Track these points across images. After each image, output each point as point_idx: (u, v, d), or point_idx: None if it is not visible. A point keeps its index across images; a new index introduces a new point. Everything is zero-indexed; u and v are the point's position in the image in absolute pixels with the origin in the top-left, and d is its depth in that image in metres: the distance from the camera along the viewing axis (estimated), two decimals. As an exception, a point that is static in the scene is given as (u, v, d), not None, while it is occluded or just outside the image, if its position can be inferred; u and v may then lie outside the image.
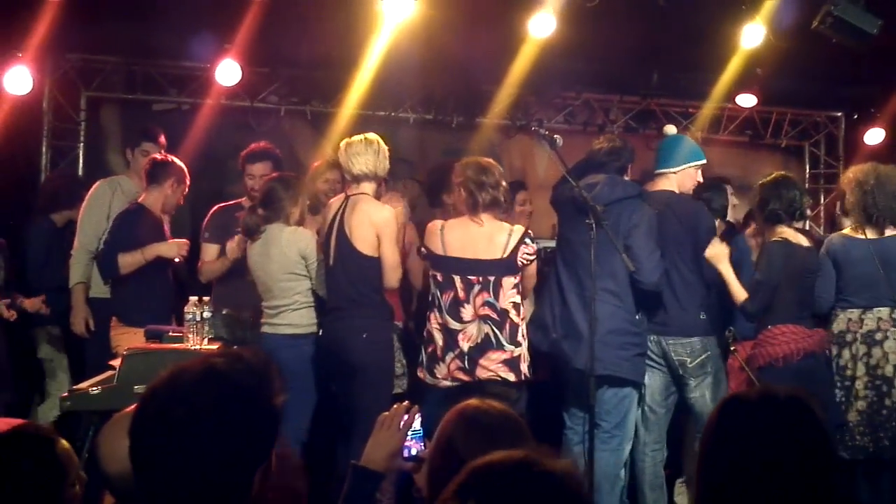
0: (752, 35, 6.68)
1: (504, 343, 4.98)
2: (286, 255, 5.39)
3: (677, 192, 5.55)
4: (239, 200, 6.17)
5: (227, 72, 6.92)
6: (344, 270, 5.26)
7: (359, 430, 4.54)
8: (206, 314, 4.96)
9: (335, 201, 5.40)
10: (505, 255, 5.03)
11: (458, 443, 2.52)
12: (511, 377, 4.98)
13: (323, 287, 5.38)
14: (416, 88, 7.94)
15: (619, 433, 5.30)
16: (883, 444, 4.63)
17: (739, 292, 5.03)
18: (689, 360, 5.25)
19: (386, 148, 5.33)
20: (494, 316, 4.99)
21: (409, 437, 2.87)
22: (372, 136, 5.34)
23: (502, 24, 6.61)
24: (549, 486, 1.67)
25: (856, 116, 9.00)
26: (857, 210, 5.17)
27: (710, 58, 7.32)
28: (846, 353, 5.02)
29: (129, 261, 5.70)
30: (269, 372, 1.97)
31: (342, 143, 5.35)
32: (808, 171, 9.20)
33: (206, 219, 6.14)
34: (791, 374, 4.81)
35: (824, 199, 8.91)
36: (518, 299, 5.09)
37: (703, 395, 5.24)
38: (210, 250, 6.03)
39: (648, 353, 5.35)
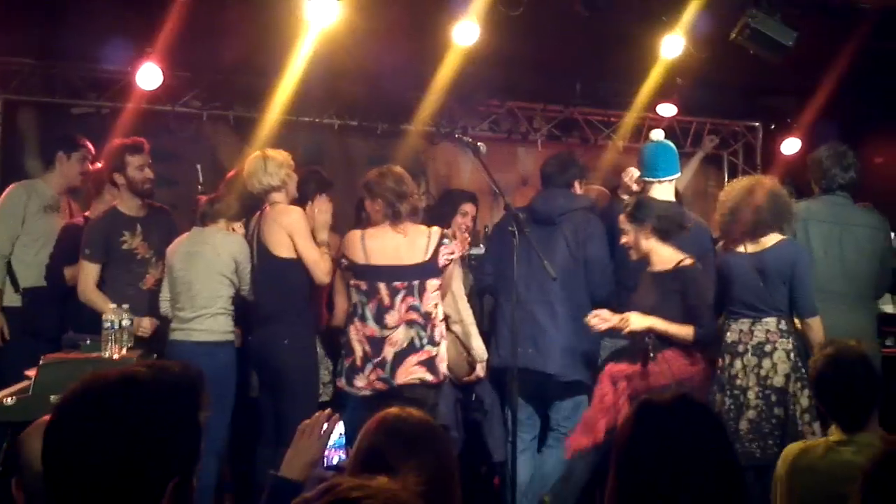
0: (672, 46, 6.78)
1: (425, 344, 5.00)
2: (219, 256, 5.39)
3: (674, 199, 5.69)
4: (108, 208, 5.78)
5: (148, 75, 6.81)
6: (265, 279, 5.36)
7: (284, 438, 4.52)
8: (126, 322, 4.90)
9: (253, 218, 5.51)
10: (427, 259, 5.05)
11: (383, 451, 2.52)
12: (429, 377, 4.99)
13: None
14: (340, 94, 7.91)
15: None
16: (771, 452, 4.71)
17: (684, 331, 4.99)
18: None
19: (276, 156, 5.39)
20: (419, 319, 5.01)
21: (330, 447, 2.86)
22: (259, 151, 5.47)
23: (426, 32, 6.62)
24: None
25: (773, 126, 9.21)
26: (720, 227, 5.35)
27: (631, 68, 7.42)
28: (738, 364, 5.08)
29: (70, 273, 5.83)
30: (195, 386, 1.95)
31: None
32: (726, 179, 9.35)
33: (85, 234, 5.69)
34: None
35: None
36: (439, 300, 5.13)
37: None
38: (92, 269, 5.58)
39: None
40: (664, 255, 5.10)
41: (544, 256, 5.03)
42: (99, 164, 6.18)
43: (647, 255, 5.14)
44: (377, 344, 5.01)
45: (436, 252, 5.07)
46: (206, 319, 5.34)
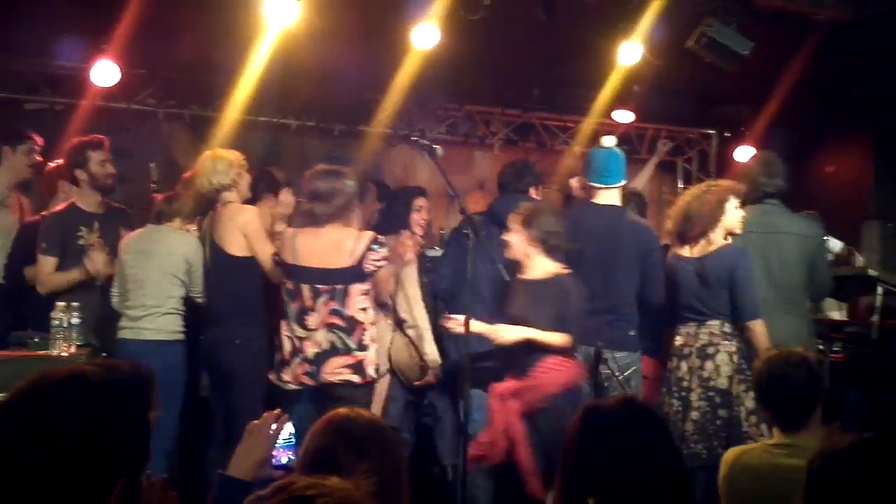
0: (630, 53, 6.82)
1: (351, 348, 4.95)
2: (172, 256, 5.35)
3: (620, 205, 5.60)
4: (67, 204, 5.71)
5: (104, 72, 6.77)
6: (218, 278, 5.35)
7: (234, 438, 4.51)
8: (75, 320, 4.84)
9: (207, 218, 5.48)
10: (352, 263, 4.96)
11: (332, 452, 2.52)
12: (355, 379, 4.94)
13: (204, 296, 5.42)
14: (297, 95, 7.89)
15: None
16: (717, 452, 4.75)
17: (561, 339, 4.88)
18: (617, 373, 5.33)
19: (226, 156, 5.39)
20: (341, 323, 4.95)
21: (279, 446, 2.86)
22: (209, 151, 5.48)
23: (386, 34, 6.63)
24: None
25: (727, 134, 9.33)
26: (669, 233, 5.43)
27: (589, 74, 7.48)
28: (684, 366, 5.14)
29: (31, 273, 5.71)
30: (145, 385, 1.95)
31: None
32: (681, 186, 9.45)
33: (42, 228, 5.63)
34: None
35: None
36: (367, 304, 5.04)
37: None
38: (48, 263, 5.52)
39: None
40: (541, 266, 5.02)
41: (504, 259, 5.04)
42: (53, 163, 6.10)
43: (524, 261, 5.07)
44: (300, 342, 5.00)
45: (362, 257, 4.95)
46: (156, 318, 5.29)
